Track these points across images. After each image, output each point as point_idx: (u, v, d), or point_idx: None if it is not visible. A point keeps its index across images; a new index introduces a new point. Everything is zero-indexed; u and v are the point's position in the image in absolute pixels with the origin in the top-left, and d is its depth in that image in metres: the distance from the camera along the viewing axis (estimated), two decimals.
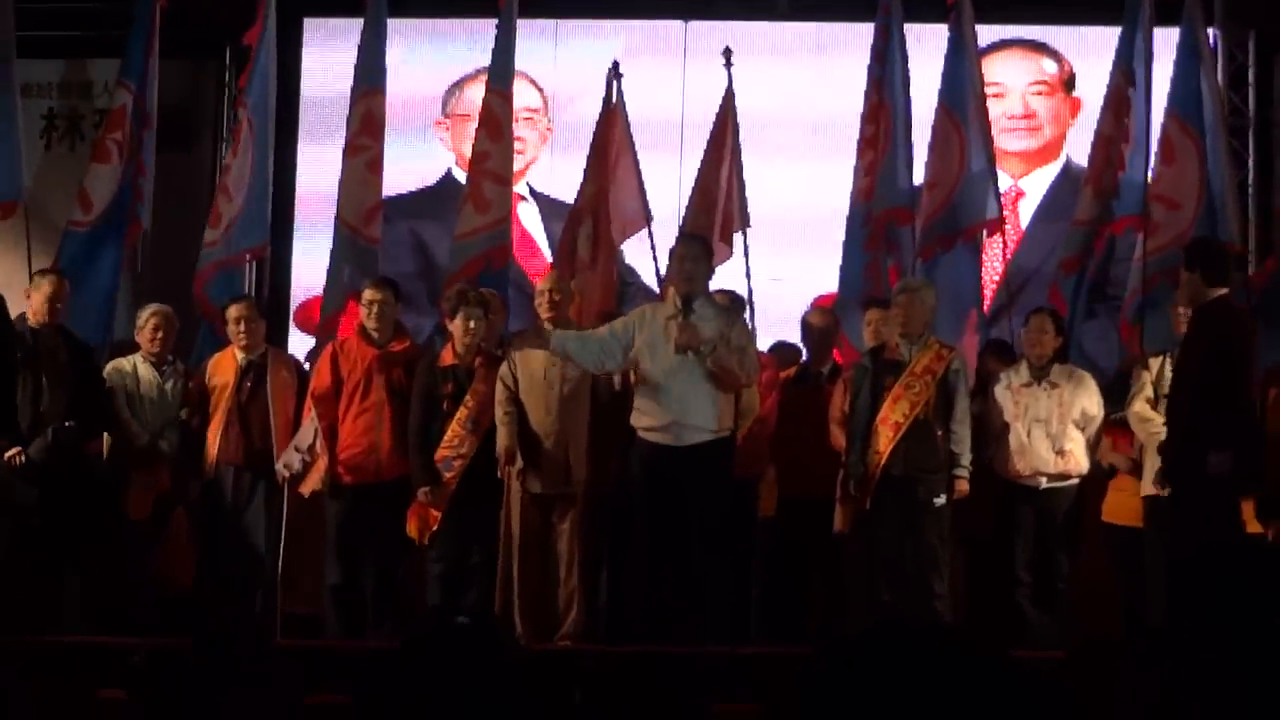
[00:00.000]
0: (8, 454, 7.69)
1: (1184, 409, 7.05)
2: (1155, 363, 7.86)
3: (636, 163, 9.50)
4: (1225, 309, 7.07)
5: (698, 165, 9.54)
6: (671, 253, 7.88)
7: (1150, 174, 9.28)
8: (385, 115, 9.78)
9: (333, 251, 9.64)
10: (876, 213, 9.46)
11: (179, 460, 8.39)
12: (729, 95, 9.51)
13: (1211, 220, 9.13)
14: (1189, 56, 9.37)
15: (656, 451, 7.54)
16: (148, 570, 8.31)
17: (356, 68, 9.85)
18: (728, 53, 9.58)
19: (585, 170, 9.52)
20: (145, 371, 8.49)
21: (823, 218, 10.38)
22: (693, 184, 9.52)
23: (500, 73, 9.78)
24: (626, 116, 9.52)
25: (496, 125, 9.66)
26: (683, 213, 9.67)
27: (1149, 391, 7.78)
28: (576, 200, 9.57)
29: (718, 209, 9.33)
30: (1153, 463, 7.58)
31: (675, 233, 8.79)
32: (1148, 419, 7.72)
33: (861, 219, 9.52)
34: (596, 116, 9.57)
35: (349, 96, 9.82)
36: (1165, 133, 9.34)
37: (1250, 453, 6.99)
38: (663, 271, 9.00)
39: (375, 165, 9.68)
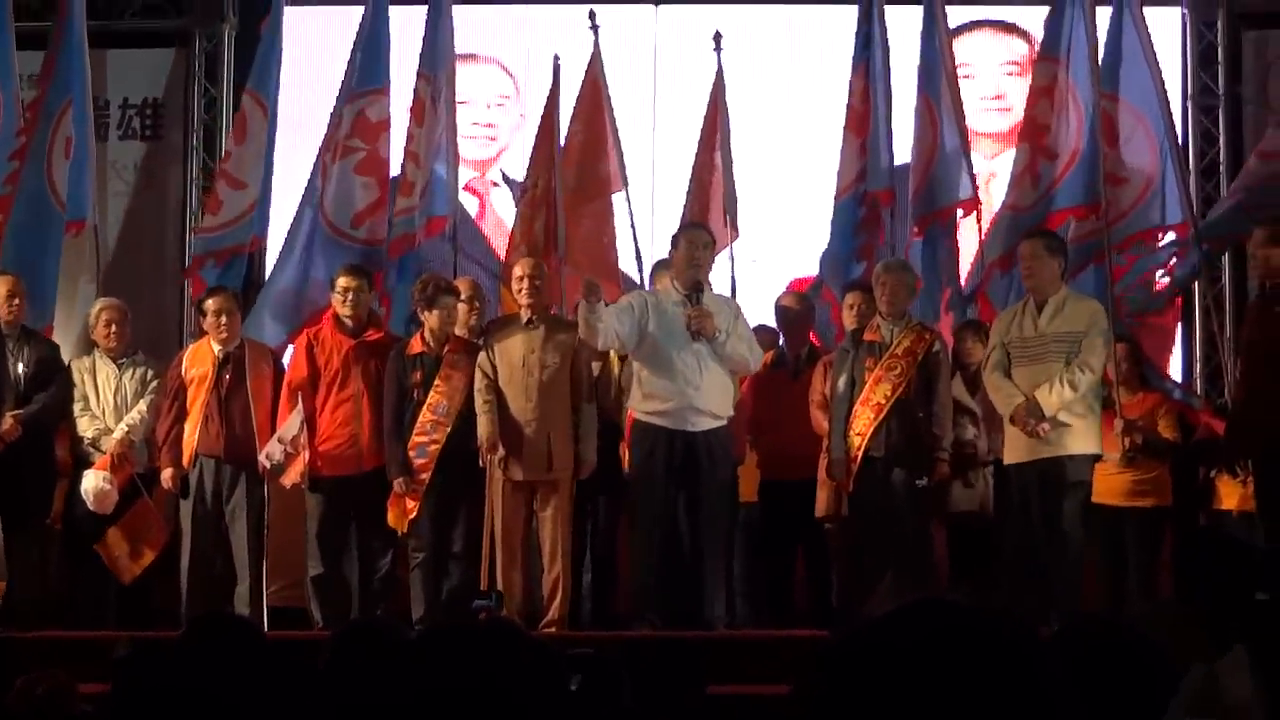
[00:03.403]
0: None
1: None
2: (1002, 322, 7.79)
3: (613, 123, 9.52)
4: None
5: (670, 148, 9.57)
6: (675, 241, 7.89)
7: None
8: (389, 116, 9.70)
9: (309, 247, 9.52)
10: (870, 194, 9.49)
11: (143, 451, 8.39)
12: (719, 79, 9.58)
13: (1161, 197, 9.16)
14: (1123, 33, 9.30)
15: (662, 436, 7.58)
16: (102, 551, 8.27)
17: (351, 66, 9.75)
18: (718, 37, 9.64)
19: (531, 155, 9.55)
20: (104, 366, 8.48)
21: (794, 200, 10.40)
22: (689, 173, 9.58)
23: (428, 56, 9.68)
24: (603, 70, 9.55)
25: (420, 108, 9.60)
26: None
27: (998, 355, 7.65)
28: (525, 185, 9.59)
29: (716, 194, 9.37)
30: (1007, 429, 7.53)
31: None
32: (999, 386, 7.59)
33: (857, 201, 9.53)
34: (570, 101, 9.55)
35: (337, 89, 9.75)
36: (1104, 112, 9.17)
37: None
38: (639, 237, 9.33)
39: (365, 168, 9.60)
